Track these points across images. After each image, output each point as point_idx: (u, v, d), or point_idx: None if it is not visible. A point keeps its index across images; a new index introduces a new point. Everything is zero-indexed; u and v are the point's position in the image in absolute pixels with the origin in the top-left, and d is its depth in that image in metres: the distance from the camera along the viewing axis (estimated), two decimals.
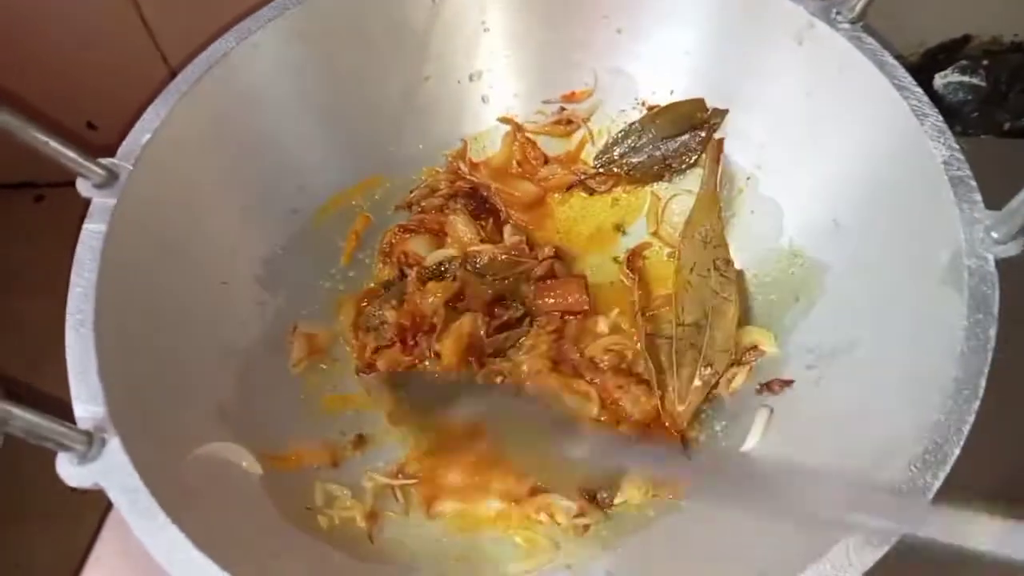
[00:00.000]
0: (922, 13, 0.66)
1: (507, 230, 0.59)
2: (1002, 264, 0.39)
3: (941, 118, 0.44)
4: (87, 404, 0.39)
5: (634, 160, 0.60)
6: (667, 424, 0.51)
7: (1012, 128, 0.70)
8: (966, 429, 0.36)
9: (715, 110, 0.57)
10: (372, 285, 0.59)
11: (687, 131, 0.58)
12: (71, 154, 0.43)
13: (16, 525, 0.56)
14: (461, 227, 0.57)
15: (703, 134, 0.57)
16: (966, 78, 0.68)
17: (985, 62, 0.69)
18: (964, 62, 0.68)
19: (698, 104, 0.58)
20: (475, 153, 0.62)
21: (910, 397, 0.39)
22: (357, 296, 0.58)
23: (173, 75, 0.50)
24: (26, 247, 0.69)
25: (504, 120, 0.62)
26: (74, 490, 0.37)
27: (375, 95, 0.58)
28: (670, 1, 0.55)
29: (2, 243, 0.70)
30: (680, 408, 0.51)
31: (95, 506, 0.54)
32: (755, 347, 0.52)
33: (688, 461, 0.50)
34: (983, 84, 0.69)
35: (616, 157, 0.60)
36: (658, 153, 0.59)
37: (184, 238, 0.49)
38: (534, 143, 0.62)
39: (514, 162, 0.61)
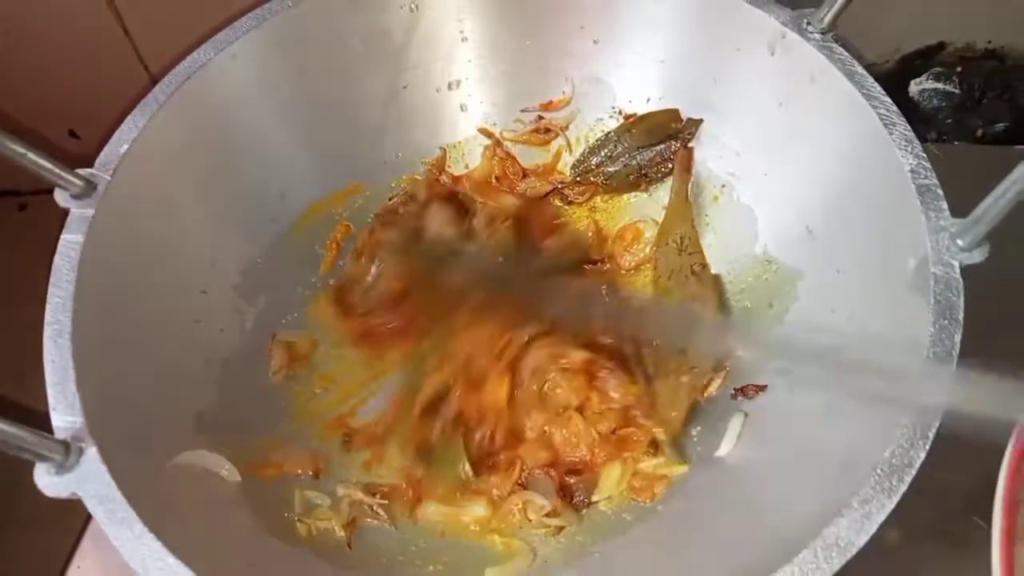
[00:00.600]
0: (897, 20, 0.67)
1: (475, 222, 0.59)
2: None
3: (909, 127, 0.45)
4: (64, 414, 0.39)
5: (610, 169, 0.60)
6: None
7: (985, 134, 0.71)
8: (931, 434, 0.37)
9: (689, 120, 0.58)
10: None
11: (662, 141, 0.58)
12: (48, 165, 0.44)
13: None
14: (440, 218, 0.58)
15: (678, 144, 0.58)
16: (940, 85, 0.69)
17: (959, 69, 0.70)
18: (938, 69, 0.69)
19: (672, 114, 0.58)
20: (454, 162, 0.63)
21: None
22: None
23: (155, 84, 0.50)
24: (9, 256, 0.69)
25: (483, 132, 0.62)
26: (54, 499, 0.38)
27: (354, 104, 0.58)
28: (646, 11, 0.56)
29: None
30: (673, 413, 0.51)
31: (76, 515, 0.54)
32: None
33: None
34: (957, 91, 0.70)
35: (592, 166, 0.61)
36: (634, 163, 0.59)
37: (163, 247, 0.49)
38: (514, 158, 0.62)
39: (493, 177, 0.62)
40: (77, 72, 0.64)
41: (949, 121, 0.71)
